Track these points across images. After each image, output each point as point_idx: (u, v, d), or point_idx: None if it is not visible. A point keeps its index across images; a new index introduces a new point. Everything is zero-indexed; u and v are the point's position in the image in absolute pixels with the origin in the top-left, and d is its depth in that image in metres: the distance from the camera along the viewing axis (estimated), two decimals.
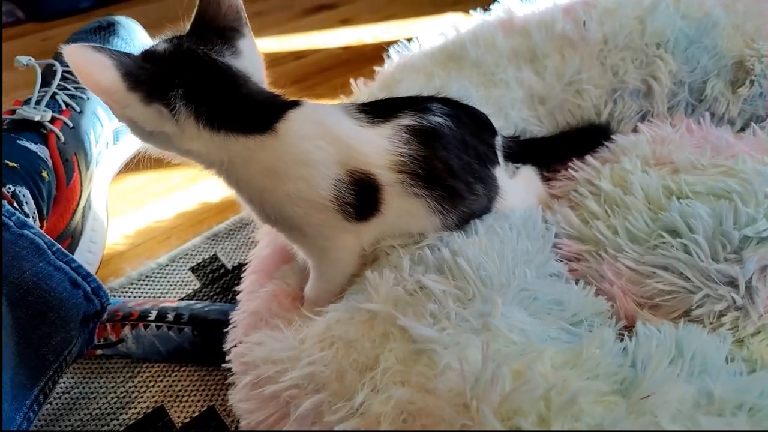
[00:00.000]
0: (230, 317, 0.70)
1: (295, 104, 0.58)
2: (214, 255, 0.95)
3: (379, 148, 0.57)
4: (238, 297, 0.73)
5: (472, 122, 0.64)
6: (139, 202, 1.08)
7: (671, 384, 0.43)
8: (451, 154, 0.59)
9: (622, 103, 0.86)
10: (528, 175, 0.76)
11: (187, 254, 0.95)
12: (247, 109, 0.55)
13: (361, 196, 0.57)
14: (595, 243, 0.65)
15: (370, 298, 0.55)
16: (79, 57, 0.50)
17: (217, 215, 1.04)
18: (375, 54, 1.54)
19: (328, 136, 0.56)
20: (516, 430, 0.40)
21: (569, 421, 0.41)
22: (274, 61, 1.53)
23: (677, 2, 0.85)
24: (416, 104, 0.62)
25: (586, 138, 0.81)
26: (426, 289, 0.54)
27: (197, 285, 0.90)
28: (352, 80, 0.93)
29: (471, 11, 0.97)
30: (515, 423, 0.41)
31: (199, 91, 0.53)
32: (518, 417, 0.41)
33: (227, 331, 0.68)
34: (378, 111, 0.60)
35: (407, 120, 0.59)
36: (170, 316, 0.78)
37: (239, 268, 0.92)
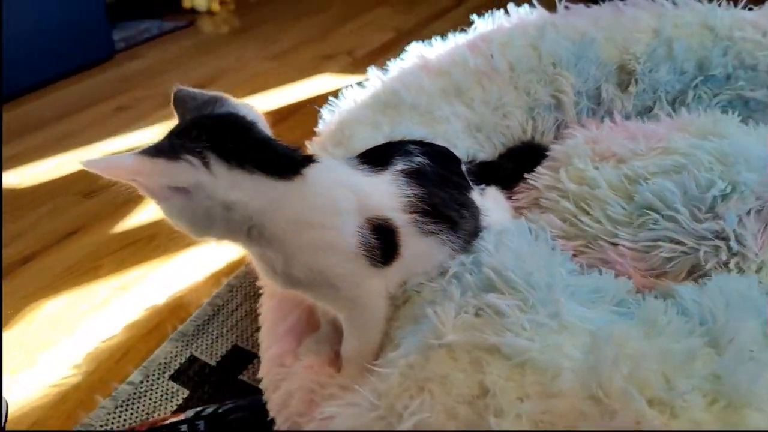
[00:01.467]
0: (265, 404, 0.65)
1: (311, 156, 0.59)
2: (190, 356, 0.87)
3: (388, 192, 0.60)
4: (264, 382, 0.68)
5: (440, 157, 0.70)
6: (71, 326, 0.96)
7: (742, 323, 0.50)
8: (438, 188, 0.64)
9: (540, 118, 0.97)
10: (494, 193, 0.83)
11: (159, 364, 0.86)
12: (272, 153, 0.55)
13: (382, 241, 0.59)
14: (586, 236, 0.73)
15: (439, 332, 0.55)
16: (95, 166, 0.48)
17: (171, 315, 0.96)
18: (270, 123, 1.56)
19: (348, 185, 0.58)
20: (656, 398, 0.44)
21: (688, 380, 0.46)
22: None
23: (556, 28, 1.00)
24: (398, 149, 0.66)
25: (527, 153, 0.90)
26: (490, 308, 0.56)
27: (185, 393, 0.82)
28: (307, 142, 0.94)
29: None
30: (653, 394, 0.44)
31: (222, 137, 0.52)
32: (649, 388, 0.45)
33: (272, 419, 0.64)
34: (372, 160, 0.63)
35: (399, 165, 0.63)
36: (184, 429, 0.70)
37: (226, 360, 0.86)
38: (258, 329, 0.88)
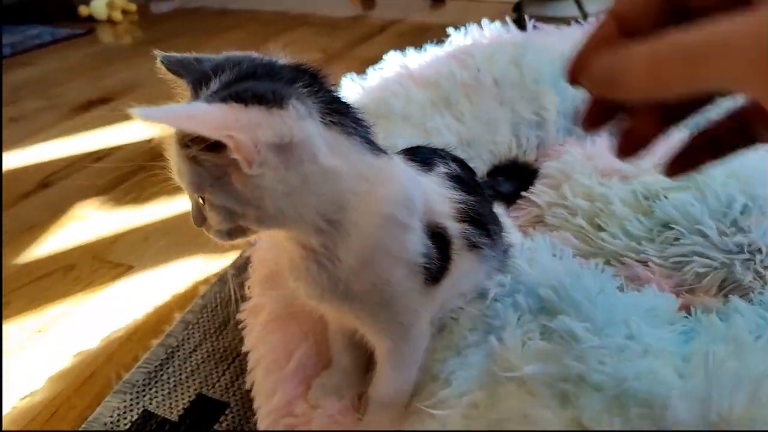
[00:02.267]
0: None
1: None
2: (143, 411, 0.71)
3: (442, 196, 0.52)
4: None
5: (465, 166, 0.63)
6: None
7: None
8: (476, 197, 0.57)
9: (523, 136, 0.93)
10: (500, 210, 0.77)
11: (104, 423, 0.69)
12: (366, 122, 0.44)
13: (438, 253, 0.49)
14: (605, 254, 0.69)
15: (509, 363, 0.48)
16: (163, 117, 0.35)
17: (108, 361, 0.79)
18: None
19: (417, 182, 0.49)
20: None
21: None
22: (70, 167, 1.28)
23: (535, 46, 0.98)
24: (432, 151, 0.58)
25: (517, 171, 0.86)
26: (562, 333, 0.49)
27: None
28: None
29: None
30: None
31: (319, 89, 0.41)
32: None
33: None
34: (413, 160, 0.54)
35: (441, 168, 0.55)
36: None
37: (191, 413, 0.71)
38: (226, 371, 0.76)
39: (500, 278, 0.57)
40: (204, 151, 0.37)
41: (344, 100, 0.44)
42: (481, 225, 0.54)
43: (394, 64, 0.92)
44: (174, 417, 0.71)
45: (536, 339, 0.49)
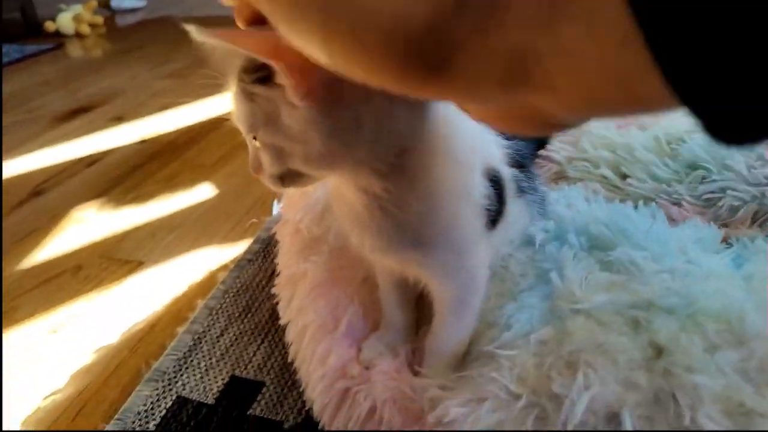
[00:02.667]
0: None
1: None
2: (177, 397, 0.69)
3: (492, 139, 0.51)
4: (321, 402, 0.54)
5: None
6: None
7: None
8: (513, 142, 0.56)
9: None
10: None
11: (137, 413, 0.66)
12: None
13: (495, 195, 0.48)
14: (633, 198, 0.69)
15: (574, 296, 0.47)
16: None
17: (132, 354, 0.76)
18: (187, 138, 1.38)
19: (470, 123, 0.47)
20: None
21: None
22: (62, 173, 1.24)
23: None
24: None
25: None
26: (623, 263, 0.48)
27: None
28: None
29: None
30: None
31: None
32: None
33: None
34: None
35: None
36: None
37: (226, 395, 0.68)
38: (257, 351, 0.74)
39: (544, 224, 0.57)
40: (256, 84, 0.35)
41: None
42: (526, 170, 0.54)
43: None
44: (210, 400, 0.68)
45: (597, 272, 0.48)
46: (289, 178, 0.40)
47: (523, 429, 0.41)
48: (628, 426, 0.38)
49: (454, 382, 0.48)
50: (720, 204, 0.64)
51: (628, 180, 0.70)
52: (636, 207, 0.60)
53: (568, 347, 0.44)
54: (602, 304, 0.45)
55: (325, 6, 0.21)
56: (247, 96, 0.37)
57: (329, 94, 0.34)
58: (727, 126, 0.18)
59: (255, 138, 0.39)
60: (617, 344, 0.43)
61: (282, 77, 0.33)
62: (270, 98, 0.36)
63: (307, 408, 0.61)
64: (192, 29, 0.32)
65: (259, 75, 0.35)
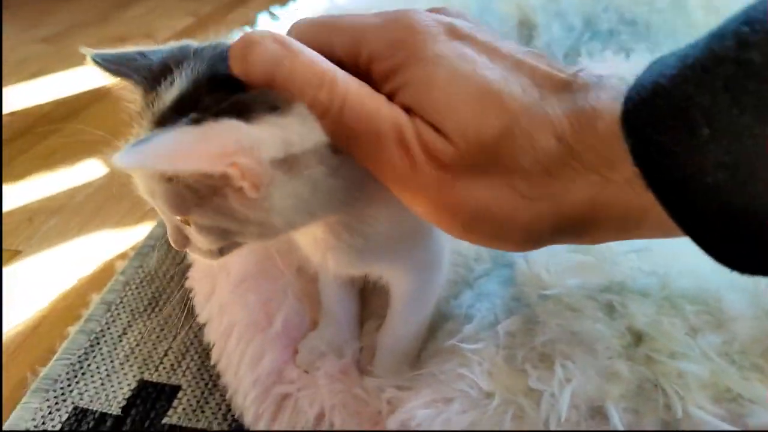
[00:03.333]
0: None
1: None
2: (74, 408, 0.58)
3: None
4: (254, 411, 0.47)
5: None
6: None
7: None
8: None
9: None
10: None
11: (27, 429, 0.55)
12: None
13: None
14: None
15: (542, 282, 0.43)
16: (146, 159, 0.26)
17: (14, 358, 0.64)
18: (66, 110, 1.20)
19: None
20: None
21: None
22: None
23: None
24: None
25: None
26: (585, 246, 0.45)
27: None
28: None
29: None
30: None
31: None
32: None
33: None
34: None
35: None
36: None
37: (134, 404, 0.59)
38: (168, 351, 0.65)
39: None
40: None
41: None
42: None
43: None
44: (115, 410, 0.59)
45: (563, 253, 0.45)
46: (229, 248, 0.35)
47: (502, 430, 0.37)
48: (616, 420, 0.35)
49: (412, 381, 0.43)
50: None
51: None
52: None
53: (540, 338, 0.41)
54: (573, 288, 0.42)
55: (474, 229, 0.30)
56: (171, 180, 0.30)
57: (287, 174, 0.29)
58: (726, 260, 0.25)
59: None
60: (593, 332, 0.40)
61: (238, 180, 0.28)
62: (209, 185, 0.29)
63: (235, 415, 0.53)
64: (118, 158, 0.25)
65: None
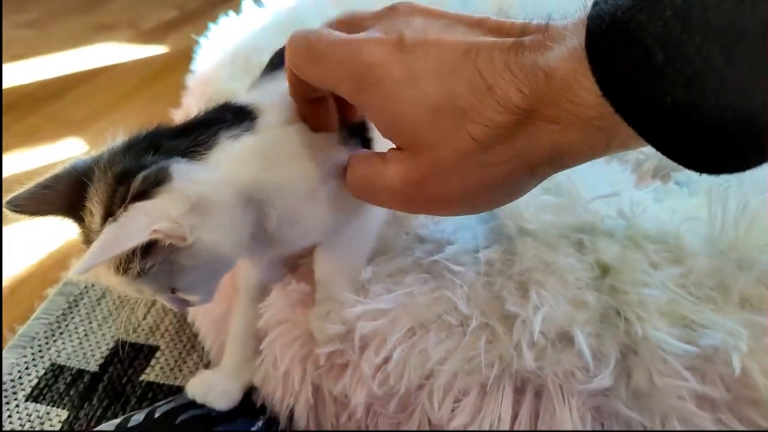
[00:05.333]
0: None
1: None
2: (51, 365, 0.58)
3: None
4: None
5: None
6: None
7: None
8: None
9: None
10: None
11: (4, 382, 0.55)
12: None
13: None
14: None
15: (522, 219, 0.45)
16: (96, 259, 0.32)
17: None
18: (49, 91, 1.19)
19: None
20: None
21: None
22: None
23: None
24: None
25: None
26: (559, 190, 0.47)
27: (62, 414, 0.54)
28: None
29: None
30: None
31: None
32: None
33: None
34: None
35: None
36: None
37: (113, 361, 0.59)
38: (147, 315, 0.66)
39: None
40: (143, 260, 0.34)
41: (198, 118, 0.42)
42: None
43: None
44: (93, 367, 0.59)
45: (541, 195, 0.47)
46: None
47: (474, 354, 0.39)
48: (581, 341, 0.37)
49: (391, 304, 0.43)
50: (626, 159, 0.67)
51: None
52: None
53: (518, 266, 0.42)
54: (549, 225, 0.44)
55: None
56: (139, 276, 0.35)
57: (202, 216, 0.36)
58: (690, 164, 0.27)
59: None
60: (565, 264, 0.42)
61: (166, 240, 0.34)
62: (162, 259, 0.35)
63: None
64: (76, 272, 0.31)
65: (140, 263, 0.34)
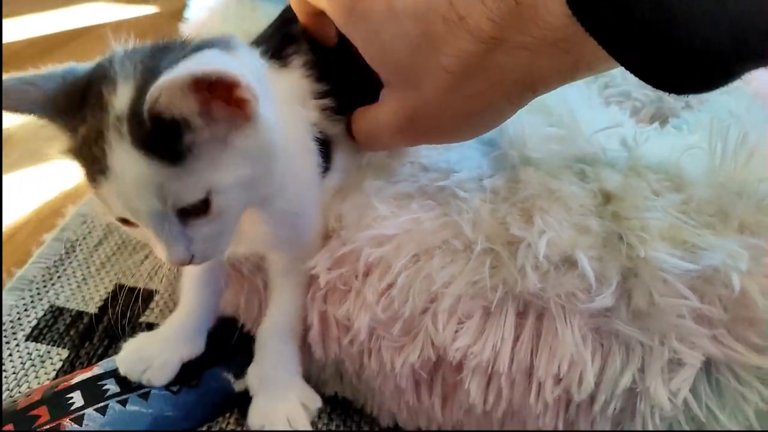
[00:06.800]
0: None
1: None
2: (50, 306, 0.58)
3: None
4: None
5: None
6: None
7: None
8: None
9: None
10: None
11: (3, 323, 0.55)
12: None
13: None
14: None
15: (526, 148, 0.44)
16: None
17: None
18: (36, 50, 1.17)
19: None
20: None
21: None
22: None
23: None
24: None
25: None
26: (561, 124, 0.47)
27: (64, 353, 0.54)
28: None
29: None
30: None
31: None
32: None
33: None
34: None
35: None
36: (109, 387, 0.45)
37: (110, 306, 0.59)
38: (144, 261, 0.65)
39: None
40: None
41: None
42: None
43: None
44: (92, 309, 0.59)
45: (544, 127, 0.47)
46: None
47: (478, 278, 0.39)
48: (585, 264, 0.38)
49: (398, 229, 0.43)
50: (624, 106, 0.67)
51: None
52: None
53: (522, 193, 0.43)
54: (553, 154, 0.45)
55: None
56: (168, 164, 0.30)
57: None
58: (661, 82, 0.28)
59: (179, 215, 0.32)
60: (569, 192, 0.42)
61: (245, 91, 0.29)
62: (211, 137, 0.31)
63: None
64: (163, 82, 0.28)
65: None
